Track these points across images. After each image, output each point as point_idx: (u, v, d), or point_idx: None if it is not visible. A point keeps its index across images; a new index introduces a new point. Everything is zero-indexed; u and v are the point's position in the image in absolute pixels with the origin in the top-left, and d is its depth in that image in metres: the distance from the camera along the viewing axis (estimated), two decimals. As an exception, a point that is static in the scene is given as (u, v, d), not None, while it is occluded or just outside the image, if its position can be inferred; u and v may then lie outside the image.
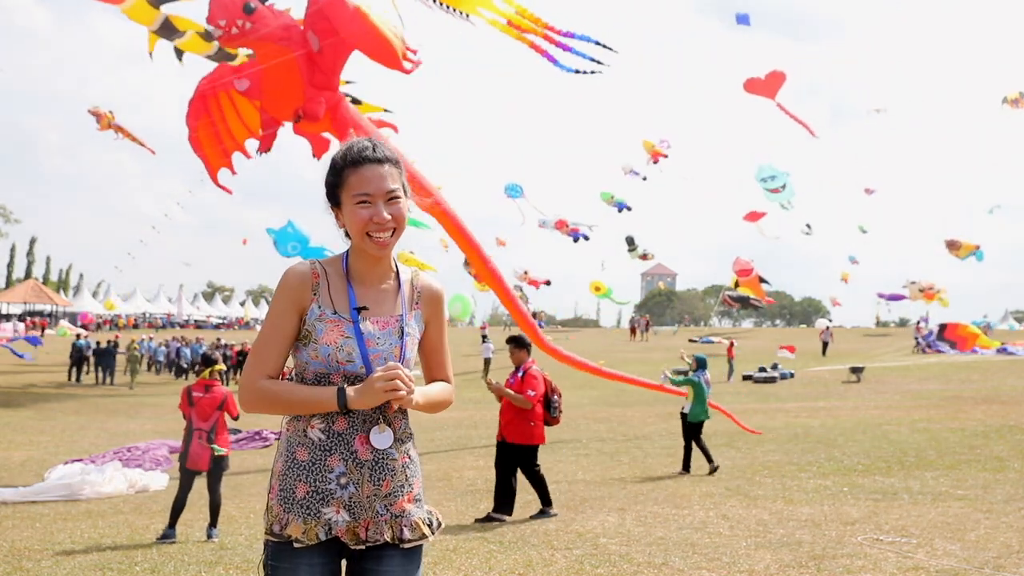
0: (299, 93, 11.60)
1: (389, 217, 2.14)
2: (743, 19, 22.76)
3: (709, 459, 9.92)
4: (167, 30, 12.79)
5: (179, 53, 13.24)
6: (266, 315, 2.23)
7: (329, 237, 2.37)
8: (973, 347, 30.00)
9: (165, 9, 12.54)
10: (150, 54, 13.31)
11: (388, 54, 11.09)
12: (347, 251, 2.25)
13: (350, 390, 2.08)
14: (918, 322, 44.22)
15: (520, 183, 32.16)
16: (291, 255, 17.05)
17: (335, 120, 11.90)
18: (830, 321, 52.21)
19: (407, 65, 11.38)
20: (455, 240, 12.14)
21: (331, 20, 11.07)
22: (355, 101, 15.08)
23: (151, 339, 34.95)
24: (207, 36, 12.73)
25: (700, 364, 10.78)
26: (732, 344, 27.50)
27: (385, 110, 16.07)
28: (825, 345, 35.64)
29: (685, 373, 27.87)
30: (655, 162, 30.58)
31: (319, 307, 2.16)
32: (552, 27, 11.31)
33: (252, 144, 14.07)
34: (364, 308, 2.18)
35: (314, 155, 13.71)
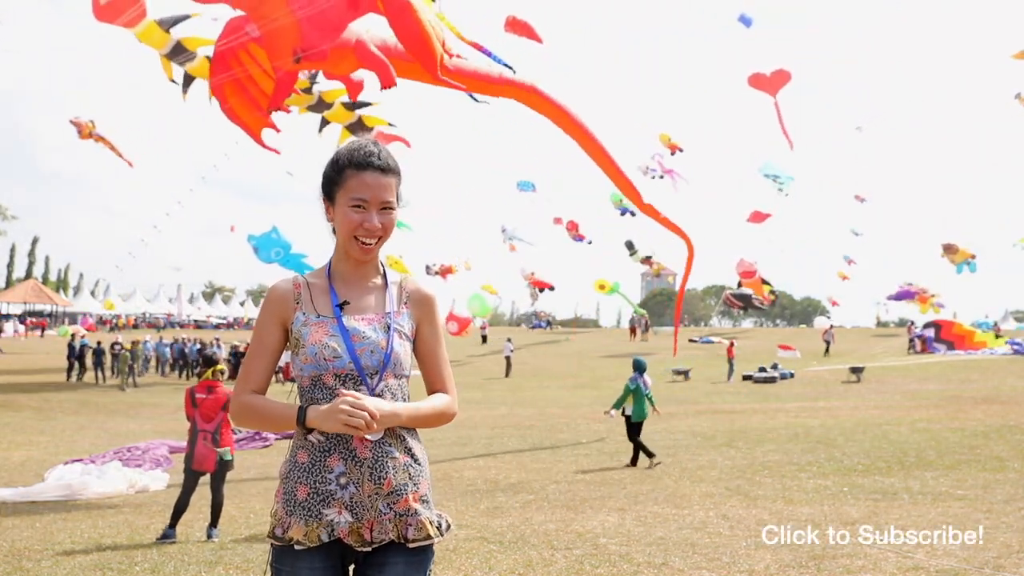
0: (295, 31, 10.80)
1: (379, 226, 2.19)
2: (745, 20, 22.77)
3: (649, 455, 10.68)
4: (178, 53, 12.78)
5: (188, 81, 13.17)
6: (253, 333, 2.27)
7: (310, 242, 2.35)
8: (973, 347, 29.87)
9: (175, 32, 12.62)
10: (172, 80, 13.28)
11: (427, 57, 10.84)
12: (331, 257, 2.29)
13: (311, 410, 2.09)
14: (910, 323, 44.26)
15: (532, 180, 32.38)
16: (273, 261, 16.92)
17: (361, 57, 11.22)
18: (829, 321, 52.16)
19: (441, 75, 11.22)
20: (566, 128, 12.60)
21: (382, 4, 10.58)
22: (359, 105, 15.02)
23: (160, 338, 34.90)
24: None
25: (637, 368, 11.27)
26: (732, 344, 27.60)
27: (389, 124, 16.12)
28: (828, 345, 35.68)
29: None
30: (672, 154, 30.39)
31: (303, 314, 2.20)
32: (467, 39, 11.42)
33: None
34: (346, 303, 2.20)
35: (350, 99, 13.36)
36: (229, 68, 11.85)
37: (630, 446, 12.39)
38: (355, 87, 12.91)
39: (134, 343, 29.05)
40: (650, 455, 10.69)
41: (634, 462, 10.81)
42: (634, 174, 31.84)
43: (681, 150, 30.48)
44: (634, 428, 11.02)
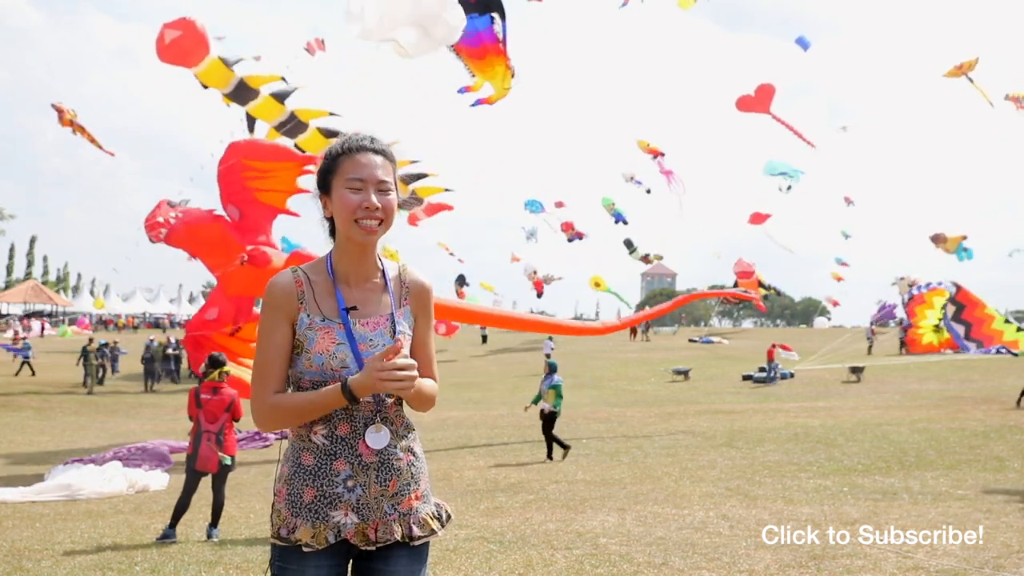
0: (236, 250, 12.36)
1: (378, 204, 2.12)
2: (803, 43, 23.03)
3: (563, 445, 11.71)
4: (241, 91, 13.26)
5: (251, 122, 13.75)
6: (258, 332, 2.19)
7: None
8: (999, 345, 29.40)
9: (239, 70, 13.02)
10: (228, 105, 13.69)
11: (288, 154, 12.58)
12: (329, 253, 2.23)
13: (352, 381, 2.03)
14: (901, 321, 43.97)
15: (539, 199, 32.69)
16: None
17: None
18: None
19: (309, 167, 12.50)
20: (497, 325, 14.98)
21: (242, 158, 12.25)
22: (420, 176, 15.88)
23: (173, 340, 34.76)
24: (279, 96, 13.51)
25: (552, 369, 12.24)
26: (775, 346, 26.40)
27: (445, 189, 17.19)
28: (871, 344, 35.58)
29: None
30: (654, 157, 30.10)
31: (308, 315, 2.13)
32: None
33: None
34: (353, 308, 2.15)
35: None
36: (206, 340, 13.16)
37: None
38: None
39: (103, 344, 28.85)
40: (563, 446, 11.65)
41: (550, 455, 11.63)
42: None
43: (662, 154, 30.26)
44: (550, 422, 11.73)
